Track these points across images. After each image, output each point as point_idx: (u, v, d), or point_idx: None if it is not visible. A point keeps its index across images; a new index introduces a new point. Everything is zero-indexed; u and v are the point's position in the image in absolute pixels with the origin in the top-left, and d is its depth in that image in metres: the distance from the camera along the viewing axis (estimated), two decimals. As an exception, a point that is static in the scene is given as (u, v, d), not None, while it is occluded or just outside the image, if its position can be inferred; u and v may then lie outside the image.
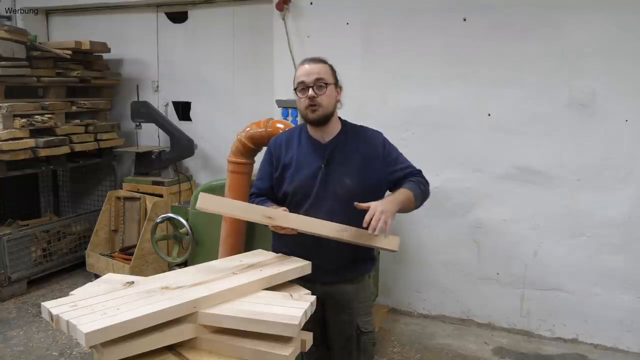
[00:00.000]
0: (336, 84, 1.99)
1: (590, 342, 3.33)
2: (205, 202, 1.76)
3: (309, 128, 2.03)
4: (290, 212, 1.91)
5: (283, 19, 3.78)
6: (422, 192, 1.97)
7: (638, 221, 3.14)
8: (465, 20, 3.36)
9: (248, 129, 2.72)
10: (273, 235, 2.12)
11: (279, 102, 3.80)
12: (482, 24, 3.31)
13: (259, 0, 4.15)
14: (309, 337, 1.62)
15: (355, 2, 3.61)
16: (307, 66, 1.94)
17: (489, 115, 3.39)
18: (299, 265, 1.85)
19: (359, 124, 2.09)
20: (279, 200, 2.02)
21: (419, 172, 2.05)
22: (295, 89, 1.97)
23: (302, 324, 1.51)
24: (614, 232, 3.19)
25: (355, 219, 1.83)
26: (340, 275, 2.02)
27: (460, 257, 3.58)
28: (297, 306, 1.56)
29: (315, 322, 1.92)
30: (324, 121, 1.96)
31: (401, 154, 2.07)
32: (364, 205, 1.77)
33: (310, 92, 1.91)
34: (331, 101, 1.95)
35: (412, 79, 3.53)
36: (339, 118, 2.07)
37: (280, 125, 2.65)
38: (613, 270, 3.22)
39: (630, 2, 3.01)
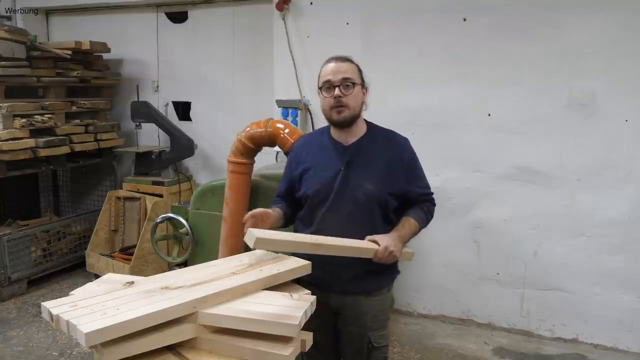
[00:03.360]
0: (362, 84, 1.90)
1: (590, 342, 3.33)
2: (260, 244, 1.69)
3: (332, 130, 1.95)
4: (309, 215, 1.90)
5: (283, 19, 3.78)
6: (427, 222, 1.98)
7: (638, 221, 3.14)
8: (465, 20, 3.36)
9: (248, 129, 2.72)
10: None
11: (279, 102, 3.81)
12: (482, 24, 3.31)
13: (259, 0, 4.15)
14: (309, 337, 1.62)
15: (355, 2, 3.61)
16: (333, 64, 1.85)
17: (489, 115, 3.39)
18: (299, 265, 1.84)
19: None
20: (298, 202, 1.98)
21: (431, 198, 2.00)
22: (320, 88, 1.86)
23: (302, 324, 1.51)
24: (614, 232, 3.19)
25: (375, 225, 1.84)
26: (356, 285, 1.90)
27: (460, 257, 3.58)
28: (297, 306, 1.55)
29: (326, 332, 1.88)
30: (349, 123, 1.87)
31: (422, 168, 1.99)
32: (372, 238, 1.78)
33: (337, 91, 1.81)
34: (358, 102, 1.86)
35: (412, 79, 3.53)
36: (365, 120, 1.98)
37: (280, 125, 2.66)
38: (613, 270, 3.22)
39: (630, 2, 3.01)
